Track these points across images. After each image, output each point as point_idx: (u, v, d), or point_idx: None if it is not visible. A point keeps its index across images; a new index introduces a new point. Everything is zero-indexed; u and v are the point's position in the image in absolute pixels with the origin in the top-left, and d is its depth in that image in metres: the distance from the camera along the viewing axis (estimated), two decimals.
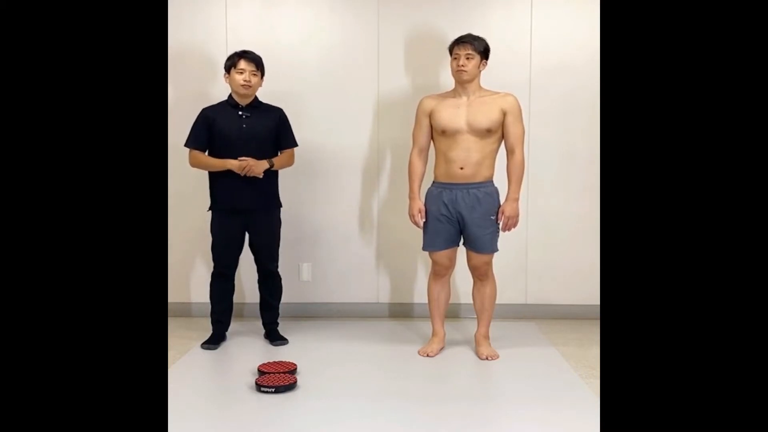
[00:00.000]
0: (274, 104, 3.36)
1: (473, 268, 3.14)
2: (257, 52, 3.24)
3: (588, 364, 3.02)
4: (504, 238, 3.88)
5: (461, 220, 3.04)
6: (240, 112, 3.22)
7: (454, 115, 3.01)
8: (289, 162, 3.38)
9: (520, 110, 3.05)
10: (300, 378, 2.78)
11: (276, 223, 3.39)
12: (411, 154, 3.19)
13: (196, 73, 3.80)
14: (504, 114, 3.00)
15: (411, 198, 3.16)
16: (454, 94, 3.09)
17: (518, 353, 3.19)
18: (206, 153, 3.26)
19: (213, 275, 3.36)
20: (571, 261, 3.87)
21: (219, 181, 3.23)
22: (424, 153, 3.17)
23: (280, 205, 3.42)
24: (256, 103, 3.27)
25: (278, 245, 3.42)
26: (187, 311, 3.92)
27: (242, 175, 3.14)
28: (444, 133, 3.02)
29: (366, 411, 2.48)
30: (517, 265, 3.90)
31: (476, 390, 2.76)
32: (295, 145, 3.39)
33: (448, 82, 3.82)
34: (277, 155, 3.32)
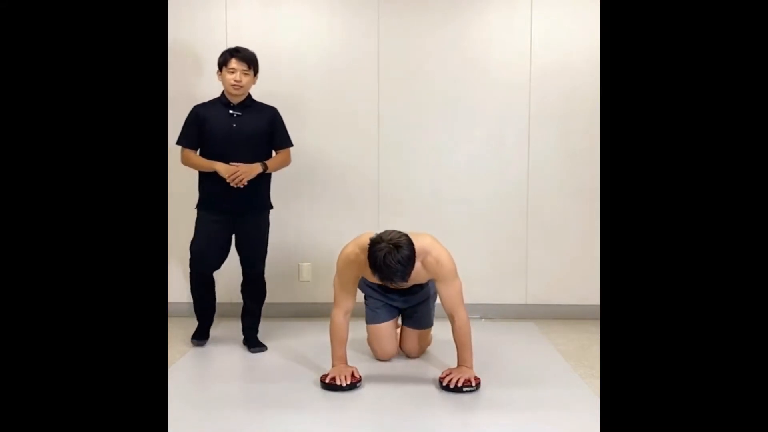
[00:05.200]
0: (274, 104, 3.30)
1: None
2: (257, 52, 3.19)
3: (588, 364, 3.01)
4: (504, 238, 3.90)
5: None
6: (231, 111, 3.12)
7: None
8: (285, 162, 3.27)
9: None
10: (300, 378, 2.78)
11: (264, 226, 3.26)
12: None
13: (196, 73, 3.80)
14: None
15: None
16: None
17: (518, 353, 3.19)
18: (197, 151, 3.18)
19: (191, 277, 3.25)
20: (571, 261, 3.87)
21: (207, 181, 3.14)
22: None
23: (271, 207, 3.30)
24: (248, 102, 3.16)
25: (266, 248, 3.29)
26: (185, 311, 3.91)
27: (230, 181, 3.03)
28: None
29: (365, 411, 2.48)
30: (517, 265, 3.90)
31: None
32: (290, 144, 3.28)
33: (447, 81, 3.83)
34: (270, 155, 3.21)
